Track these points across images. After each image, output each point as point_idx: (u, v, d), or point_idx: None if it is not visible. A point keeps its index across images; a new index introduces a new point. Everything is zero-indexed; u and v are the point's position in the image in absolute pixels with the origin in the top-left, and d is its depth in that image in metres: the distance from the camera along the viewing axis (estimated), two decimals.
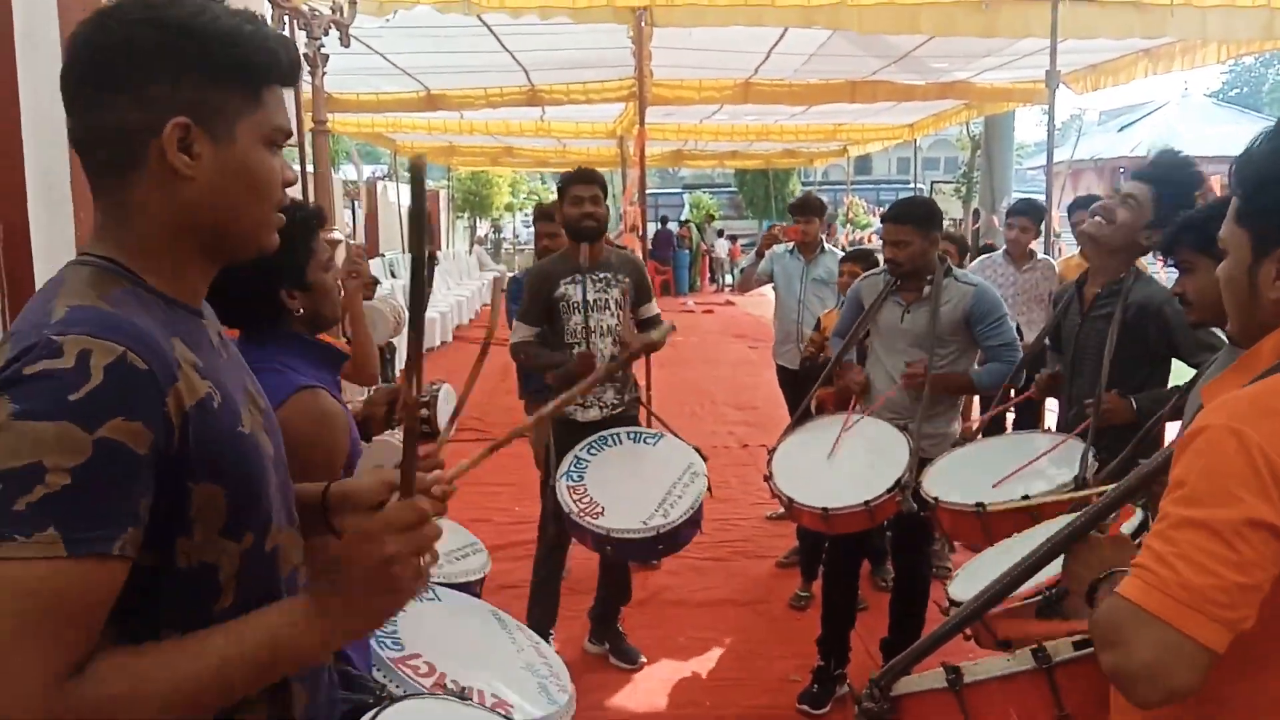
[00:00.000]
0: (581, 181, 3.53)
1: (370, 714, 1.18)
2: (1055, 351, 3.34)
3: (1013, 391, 3.50)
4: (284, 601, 1.01)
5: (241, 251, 1.07)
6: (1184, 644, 1.05)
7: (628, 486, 3.24)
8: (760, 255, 5.62)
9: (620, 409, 3.62)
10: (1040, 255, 5.36)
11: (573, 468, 3.31)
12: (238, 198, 1.02)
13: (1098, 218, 2.90)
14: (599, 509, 3.12)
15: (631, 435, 3.52)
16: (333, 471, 1.62)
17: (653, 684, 3.65)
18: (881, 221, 3.47)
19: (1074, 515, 1.41)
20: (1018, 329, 4.85)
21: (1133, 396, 2.72)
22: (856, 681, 3.55)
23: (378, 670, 1.88)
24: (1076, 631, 1.53)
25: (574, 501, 3.16)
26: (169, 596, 0.96)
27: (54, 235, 3.81)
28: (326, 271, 1.85)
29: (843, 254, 5.22)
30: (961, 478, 2.93)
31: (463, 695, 1.41)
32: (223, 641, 0.94)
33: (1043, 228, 5.57)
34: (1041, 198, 6.35)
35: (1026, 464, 2.80)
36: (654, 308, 3.83)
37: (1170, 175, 2.87)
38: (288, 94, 1.10)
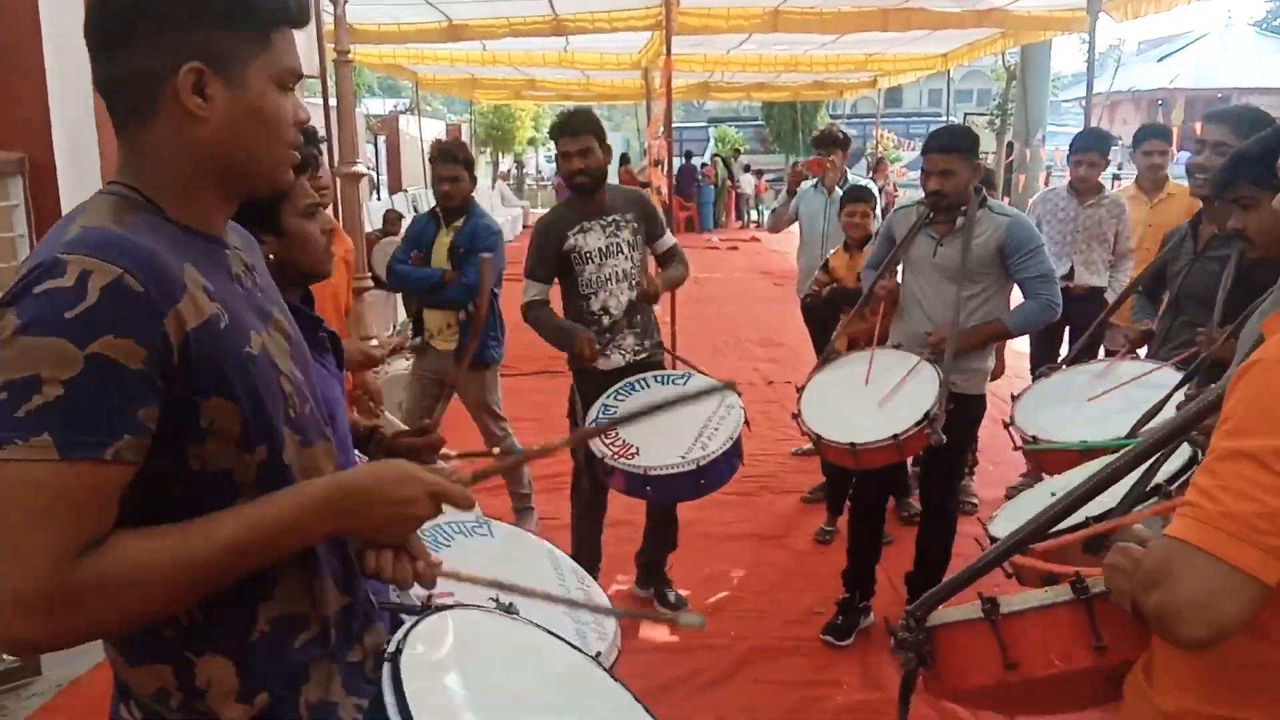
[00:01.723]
0: (567, 134, 3.35)
1: (413, 620, 1.20)
2: (1147, 297, 3.31)
3: (1067, 329, 3.49)
4: (302, 486, 1.09)
5: (257, 188, 1.13)
6: (1230, 575, 1.03)
7: (660, 424, 3.17)
8: (791, 194, 5.50)
9: (644, 354, 3.54)
10: (1108, 191, 5.08)
11: (601, 414, 3.25)
12: (250, 138, 1.08)
13: (1199, 177, 2.93)
14: (633, 449, 3.05)
15: (659, 378, 3.43)
16: None
17: (677, 613, 3.69)
18: (924, 152, 3.33)
19: (1119, 453, 1.38)
20: (1072, 269, 4.78)
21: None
22: (880, 614, 3.58)
23: (394, 593, 1.89)
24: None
25: (606, 445, 3.08)
26: (191, 495, 1.03)
27: (78, 168, 3.81)
28: (307, 219, 1.77)
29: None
30: (1052, 408, 2.98)
31: (509, 609, 1.41)
32: (235, 522, 1.02)
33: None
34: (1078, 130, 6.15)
35: (1115, 387, 2.89)
36: (669, 239, 3.67)
37: (1243, 115, 2.89)
38: (305, 31, 1.16)
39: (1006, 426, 3.00)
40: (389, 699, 0.98)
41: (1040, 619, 1.38)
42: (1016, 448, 3.01)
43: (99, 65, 1.05)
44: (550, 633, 1.39)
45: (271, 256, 1.78)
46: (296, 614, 1.15)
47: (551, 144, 3.83)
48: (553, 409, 6.56)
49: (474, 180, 4.32)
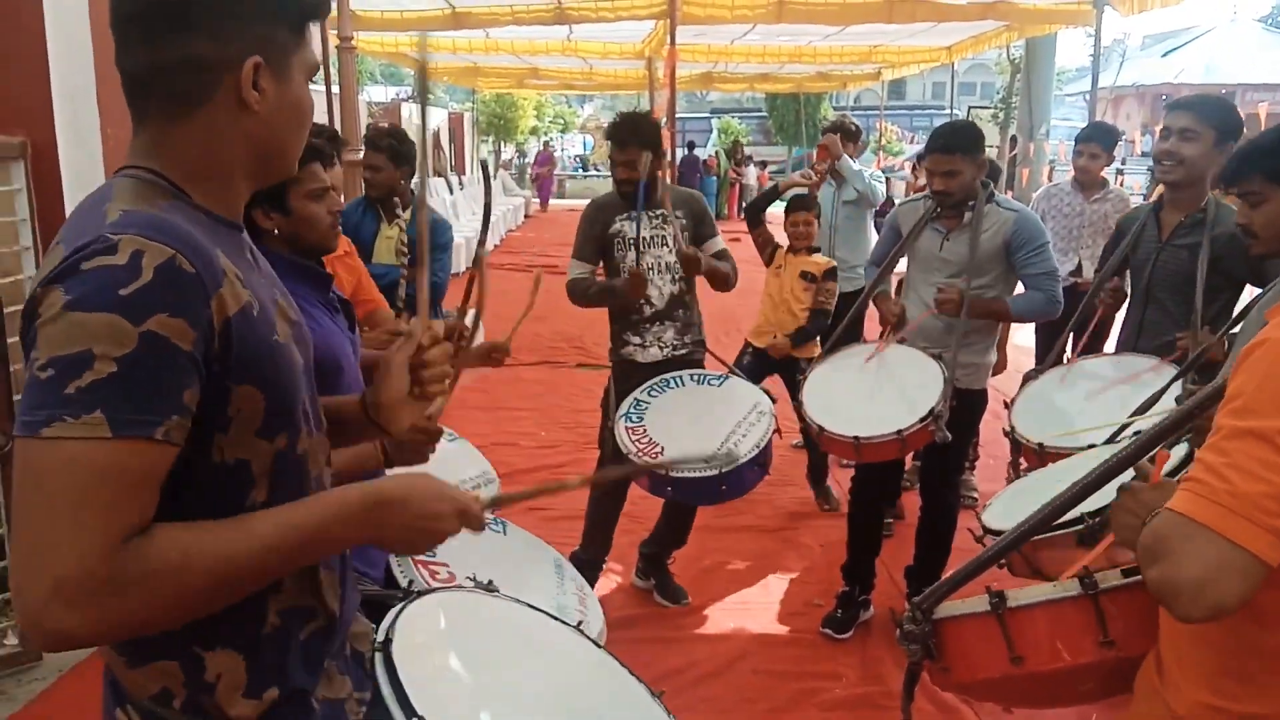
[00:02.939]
0: (616, 145, 3.36)
1: (398, 606, 1.20)
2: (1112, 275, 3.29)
3: (1068, 325, 3.46)
4: (339, 494, 1.08)
5: (278, 176, 1.15)
6: (1234, 553, 1.02)
7: (689, 427, 3.15)
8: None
9: (683, 351, 3.51)
10: (1112, 186, 5.09)
11: (632, 409, 3.24)
12: (287, 130, 1.10)
13: (1165, 163, 2.90)
14: (658, 449, 3.04)
15: (695, 377, 3.41)
16: None
17: (679, 606, 3.70)
18: (927, 152, 3.32)
19: (1119, 445, 1.38)
20: (1079, 265, 4.76)
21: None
22: (879, 608, 3.59)
23: (397, 565, 1.90)
24: (1118, 562, 1.51)
25: (632, 442, 3.08)
26: (206, 488, 1.02)
27: (81, 152, 3.79)
28: (314, 201, 1.90)
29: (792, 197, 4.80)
30: (1048, 415, 2.94)
31: (489, 587, 1.42)
32: (275, 521, 1.01)
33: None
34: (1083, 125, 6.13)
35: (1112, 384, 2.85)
36: (719, 242, 3.60)
37: (1208, 101, 2.89)
38: None
39: (1008, 435, 2.96)
40: (386, 690, 0.98)
41: (1047, 613, 1.37)
42: (1017, 457, 2.98)
43: (141, 50, 1.03)
44: (532, 606, 1.39)
45: (276, 232, 1.85)
46: (303, 605, 1.15)
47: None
48: (548, 399, 6.61)
49: (408, 170, 4.07)
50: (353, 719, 1.20)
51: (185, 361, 0.93)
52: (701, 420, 3.20)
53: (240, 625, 1.09)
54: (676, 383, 3.36)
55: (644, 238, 3.43)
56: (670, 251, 3.44)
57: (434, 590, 1.31)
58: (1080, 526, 1.80)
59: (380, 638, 1.12)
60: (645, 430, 3.13)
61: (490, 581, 1.45)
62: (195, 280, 0.94)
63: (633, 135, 3.33)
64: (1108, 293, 3.23)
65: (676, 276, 3.48)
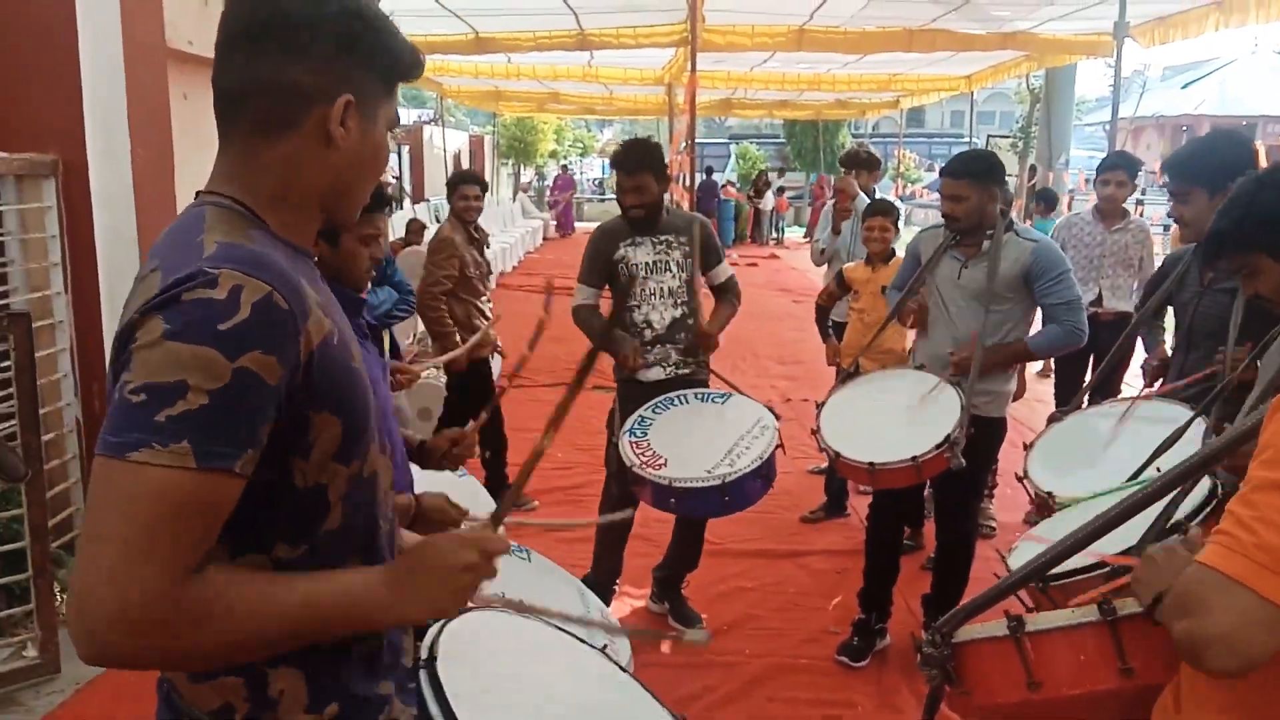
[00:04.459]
0: (623, 171, 3.44)
1: (437, 626, 1.21)
2: (1155, 320, 3.28)
3: (1092, 357, 3.44)
4: (363, 569, 1.09)
5: (345, 214, 1.18)
6: (1263, 608, 1.02)
7: (693, 440, 3.19)
8: (837, 231, 5.34)
9: (686, 370, 3.56)
10: (1134, 216, 5.08)
11: (636, 425, 3.28)
12: (364, 171, 1.13)
13: (1178, 227, 2.92)
14: (661, 460, 3.08)
15: (699, 395, 3.46)
16: None
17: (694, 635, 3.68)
18: (940, 176, 3.37)
19: (1146, 481, 1.37)
20: (1099, 295, 4.75)
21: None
22: (896, 637, 3.56)
23: None
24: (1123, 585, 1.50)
25: (636, 455, 3.12)
26: (286, 512, 1.05)
27: (111, 170, 3.86)
28: (364, 244, 2.01)
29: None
30: (1068, 458, 2.87)
31: (520, 607, 1.44)
32: (307, 585, 1.01)
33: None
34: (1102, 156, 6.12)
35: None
36: (725, 269, 3.69)
37: (1190, 157, 2.85)
38: None
39: (1020, 480, 2.91)
40: (433, 708, 0.99)
41: (1066, 639, 1.36)
42: (1031, 502, 2.91)
43: (242, 69, 1.06)
44: (563, 630, 1.41)
45: (316, 260, 1.90)
46: None
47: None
48: (570, 419, 6.58)
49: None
50: None
51: (270, 396, 0.96)
52: (705, 435, 3.23)
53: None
54: (680, 400, 3.42)
55: (647, 263, 3.51)
56: (673, 277, 3.53)
57: (471, 609, 1.33)
58: (1105, 569, 1.78)
59: (425, 654, 1.13)
60: (649, 444, 3.18)
61: (521, 601, 1.46)
62: (289, 317, 0.97)
63: (640, 162, 3.41)
64: (1156, 365, 3.21)
65: (679, 301, 3.54)
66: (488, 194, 5.18)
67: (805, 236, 19.66)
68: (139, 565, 0.89)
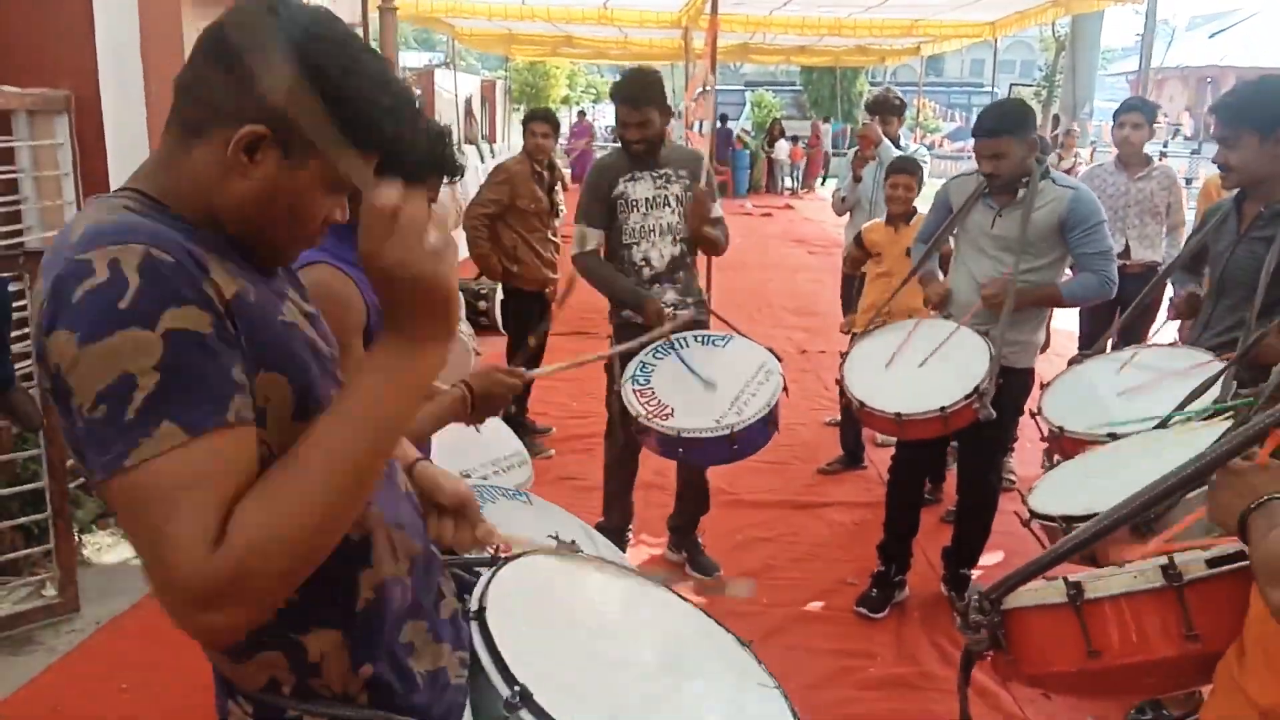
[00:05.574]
0: (628, 103, 3.34)
1: (488, 573, 1.19)
2: (1188, 272, 3.20)
3: (1119, 310, 3.37)
4: (364, 357, 1.00)
5: (260, 253, 1.07)
6: None
7: (698, 387, 3.14)
8: (857, 179, 5.23)
9: (685, 310, 3.45)
10: (1157, 162, 4.96)
11: (639, 372, 3.21)
12: (274, 214, 1.03)
13: (1222, 174, 2.83)
14: (668, 410, 3.03)
15: (699, 338, 3.39)
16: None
17: (711, 579, 3.67)
18: (974, 136, 3.24)
19: (1220, 437, 1.31)
20: (1126, 246, 4.66)
21: None
22: (915, 588, 3.55)
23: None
24: (1167, 546, 1.45)
25: (641, 405, 3.06)
26: None
27: (125, 105, 3.79)
28: None
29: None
30: (1084, 399, 2.84)
31: (573, 547, 1.42)
32: (338, 412, 0.94)
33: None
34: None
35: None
36: (717, 209, 3.59)
37: (1238, 100, 2.76)
38: None
39: (1033, 415, 2.90)
40: (485, 660, 0.96)
41: (1129, 605, 1.31)
42: (1043, 438, 2.92)
43: (190, 65, 1.02)
44: (618, 564, 1.38)
45: (347, 219, 1.80)
46: (396, 576, 1.14)
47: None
48: (580, 371, 6.54)
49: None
50: (456, 681, 1.19)
51: (216, 343, 0.91)
52: (709, 380, 3.16)
53: (333, 603, 1.08)
54: (681, 343, 3.32)
55: (646, 198, 3.45)
56: (672, 212, 3.46)
57: (521, 555, 1.30)
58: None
59: (475, 605, 1.10)
60: (654, 392, 3.12)
61: (574, 541, 1.44)
62: (178, 267, 0.91)
63: (644, 95, 3.34)
64: (1182, 299, 3.13)
65: (677, 238, 3.47)
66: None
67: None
68: (182, 543, 0.85)
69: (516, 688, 1.02)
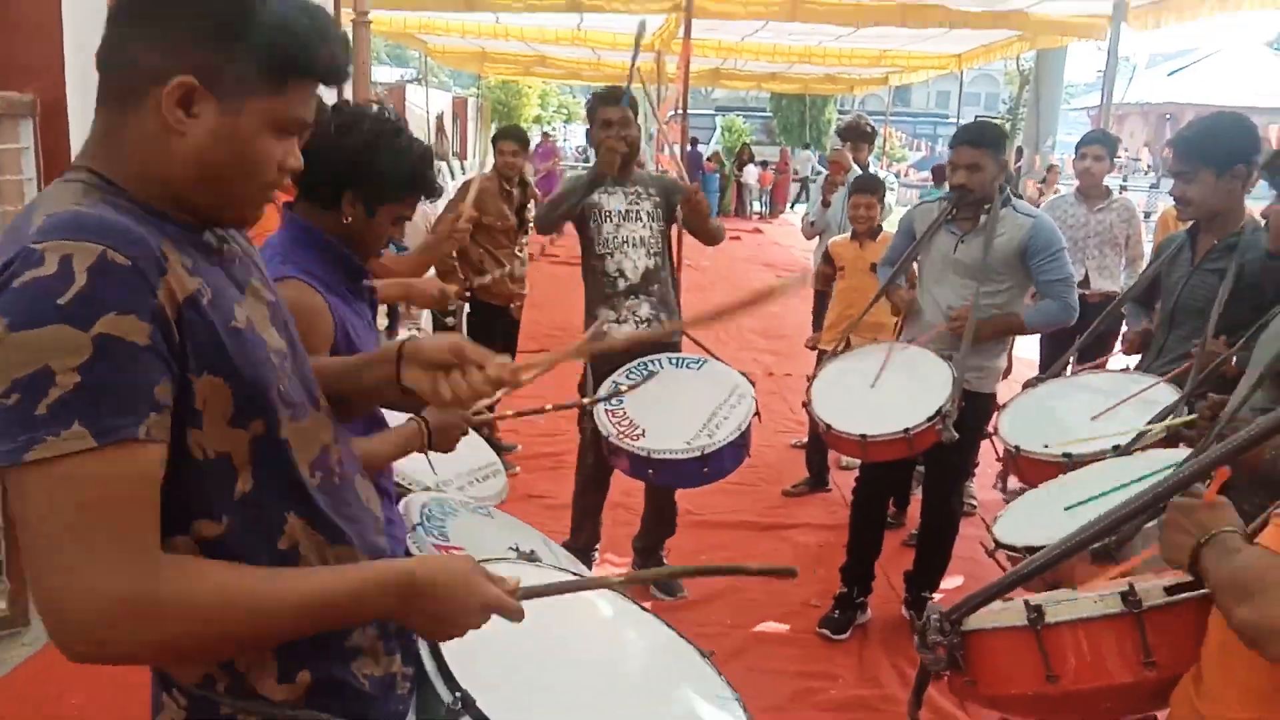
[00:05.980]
0: (612, 103, 3.41)
1: None
2: (1140, 305, 3.26)
3: (1079, 334, 3.44)
4: (381, 571, 1.07)
5: (215, 216, 1.06)
6: None
7: (670, 409, 3.15)
8: (827, 204, 5.34)
9: (659, 328, 3.49)
10: (1117, 195, 5.07)
11: (612, 391, 3.21)
12: (222, 167, 1.01)
13: (1179, 206, 2.91)
14: (639, 431, 3.03)
15: (673, 360, 3.40)
16: None
17: (674, 601, 3.67)
18: (953, 145, 3.29)
19: (1170, 468, 1.34)
20: (1086, 276, 4.75)
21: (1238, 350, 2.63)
22: (876, 611, 3.57)
23: (414, 545, 1.88)
24: (1127, 574, 1.48)
25: (613, 424, 3.07)
26: (192, 487, 0.99)
27: (90, 110, 3.74)
28: (393, 224, 1.88)
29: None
30: (1040, 420, 2.88)
31: (531, 557, 1.41)
32: (312, 584, 1.01)
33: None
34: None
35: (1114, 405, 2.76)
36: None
37: (1195, 135, 2.85)
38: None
39: (989, 436, 2.95)
40: (429, 666, 0.96)
41: (1088, 630, 1.32)
42: (998, 458, 2.97)
43: (106, 39, 1.00)
44: (578, 574, 1.38)
45: (348, 220, 1.80)
46: None
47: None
48: (549, 387, 6.55)
49: None
50: (401, 691, 1.18)
51: (148, 357, 0.90)
52: (682, 403, 3.18)
53: None
54: (655, 365, 3.34)
55: (619, 210, 3.48)
56: (644, 226, 3.49)
57: (486, 562, 1.29)
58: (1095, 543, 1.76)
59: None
60: (625, 412, 3.12)
61: (532, 551, 1.43)
62: (132, 272, 0.90)
63: (625, 98, 3.41)
64: (1136, 334, 3.20)
65: (652, 251, 3.49)
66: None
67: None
68: (97, 555, 0.86)
69: (458, 694, 1.02)
